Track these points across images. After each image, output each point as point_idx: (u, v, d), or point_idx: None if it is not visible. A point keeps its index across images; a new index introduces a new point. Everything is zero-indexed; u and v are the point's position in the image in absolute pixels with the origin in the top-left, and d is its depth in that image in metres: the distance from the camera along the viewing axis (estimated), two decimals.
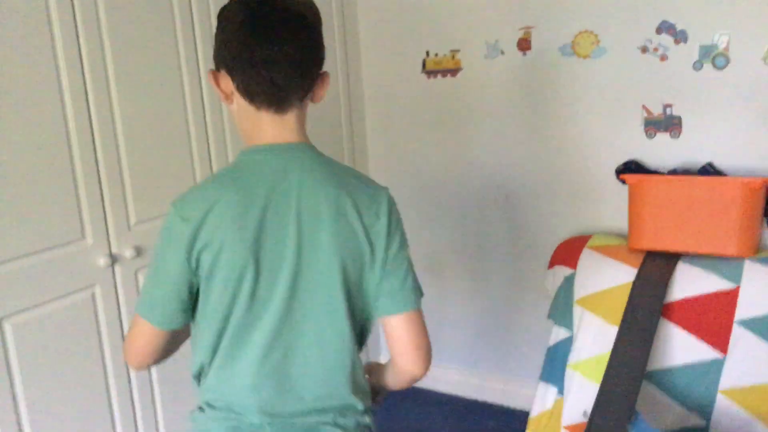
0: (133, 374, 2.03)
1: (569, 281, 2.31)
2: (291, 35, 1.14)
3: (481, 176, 2.76)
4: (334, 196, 1.17)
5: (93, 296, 1.92)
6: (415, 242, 3.01)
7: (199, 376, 1.26)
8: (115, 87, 1.94)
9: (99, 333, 1.94)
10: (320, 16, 1.22)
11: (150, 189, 2.06)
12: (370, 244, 1.19)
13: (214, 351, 1.21)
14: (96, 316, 1.93)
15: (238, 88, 1.17)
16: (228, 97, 1.20)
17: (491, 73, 2.66)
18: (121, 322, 1.99)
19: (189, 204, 1.16)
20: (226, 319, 1.18)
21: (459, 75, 2.74)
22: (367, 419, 1.29)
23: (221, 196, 1.14)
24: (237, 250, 1.13)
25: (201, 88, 2.20)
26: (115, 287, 1.97)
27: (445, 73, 2.77)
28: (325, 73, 1.24)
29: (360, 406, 1.27)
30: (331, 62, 2.79)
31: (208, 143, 2.24)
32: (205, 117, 2.22)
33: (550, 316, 2.41)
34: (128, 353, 1.26)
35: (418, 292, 1.24)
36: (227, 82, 1.18)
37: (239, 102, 1.19)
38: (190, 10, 2.15)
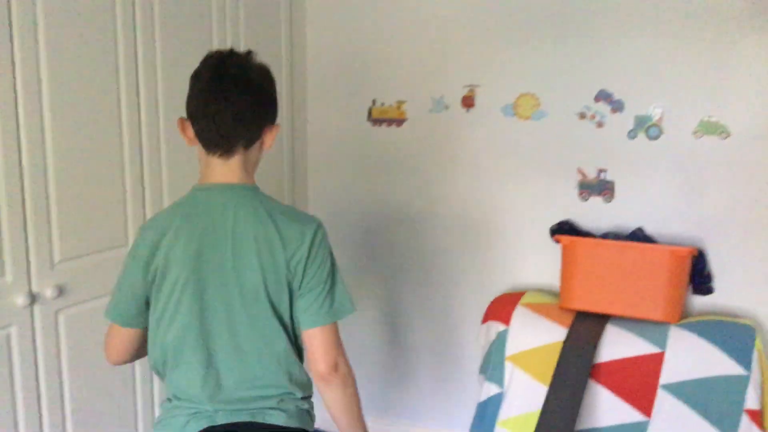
0: (45, 421, 1.91)
1: (502, 337, 2.33)
2: (238, 95, 1.39)
3: (419, 227, 2.77)
4: (262, 229, 1.41)
5: (8, 337, 1.80)
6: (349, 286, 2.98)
7: (158, 373, 1.52)
8: (50, 119, 1.87)
9: (11, 376, 1.82)
10: (272, 79, 1.48)
11: (78, 226, 1.97)
12: (292, 269, 1.42)
13: (165, 354, 1.46)
14: (10, 358, 1.81)
15: (196, 135, 1.43)
16: (191, 142, 1.46)
17: (435, 126, 2.70)
18: (36, 367, 1.88)
19: (148, 229, 1.46)
20: (171, 326, 1.43)
21: (404, 125, 2.77)
22: (305, 405, 1.52)
23: (172, 224, 1.43)
24: (181, 268, 1.41)
25: (139, 126, 2.14)
26: (33, 329, 1.86)
27: (390, 122, 2.80)
28: (276, 125, 1.49)
29: (298, 394, 1.50)
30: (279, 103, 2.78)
31: (143, 182, 2.18)
32: (141, 155, 2.16)
33: (481, 371, 2.42)
34: (105, 350, 1.57)
35: (338, 311, 1.46)
36: (190, 130, 1.44)
37: (198, 146, 1.45)
38: (135, 49, 2.10)
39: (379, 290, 2.92)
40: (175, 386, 1.48)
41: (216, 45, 2.40)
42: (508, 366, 2.29)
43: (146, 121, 2.16)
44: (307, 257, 1.42)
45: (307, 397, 1.55)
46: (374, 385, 2.97)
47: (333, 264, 1.48)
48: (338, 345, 1.47)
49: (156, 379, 2.26)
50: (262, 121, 1.45)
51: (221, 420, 1.45)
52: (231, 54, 1.44)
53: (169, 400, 1.53)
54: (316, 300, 1.44)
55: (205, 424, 1.44)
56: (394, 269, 2.87)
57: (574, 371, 2.13)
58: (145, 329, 1.51)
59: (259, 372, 1.45)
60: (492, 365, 2.33)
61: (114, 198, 2.08)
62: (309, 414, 1.55)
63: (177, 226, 1.42)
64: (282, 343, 1.46)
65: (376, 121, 2.83)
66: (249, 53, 1.45)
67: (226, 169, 1.44)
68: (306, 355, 1.51)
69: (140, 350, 1.56)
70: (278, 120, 1.51)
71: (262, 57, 1.52)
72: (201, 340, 1.43)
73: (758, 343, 2.06)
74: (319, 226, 1.46)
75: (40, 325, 1.88)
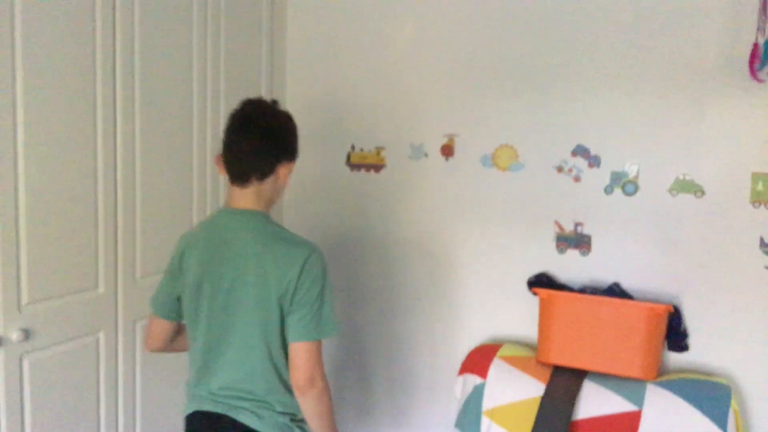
0: None
1: (478, 391, 2.30)
2: (255, 135, 1.67)
3: (397, 274, 2.75)
4: (262, 250, 1.63)
5: None
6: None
7: None
8: (23, 158, 1.81)
9: None
10: (289, 124, 1.75)
11: (47, 268, 1.91)
12: (283, 287, 1.60)
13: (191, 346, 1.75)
14: None
15: (225, 167, 1.71)
16: (223, 173, 1.72)
17: (414, 174, 2.70)
18: None
19: (181, 239, 1.79)
20: (187, 322, 1.75)
21: (382, 171, 2.76)
22: (285, 420, 1.67)
23: (197, 237, 1.75)
24: (194, 275, 1.69)
25: (115, 167, 2.09)
26: None
27: (369, 168, 2.79)
28: (290, 163, 1.73)
29: (278, 407, 1.66)
30: None
31: (116, 225, 2.12)
32: (116, 198, 2.11)
33: (457, 424, 2.38)
34: (146, 338, 1.87)
35: (322, 329, 1.62)
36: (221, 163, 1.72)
37: (226, 177, 1.72)
38: (114, 81, 2.07)
39: (352, 335, 2.87)
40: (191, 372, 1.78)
41: (196, 90, 2.39)
42: (485, 421, 2.26)
43: (122, 161, 2.12)
44: (298, 278, 1.60)
45: (289, 414, 1.68)
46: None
47: (323, 287, 1.64)
48: (317, 361, 1.62)
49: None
50: (274, 158, 1.68)
51: (206, 407, 1.69)
52: (259, 101, 1.73)
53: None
54: (304, 317, 1.61)
55: (194, 408, 1.72)
56: (368, 315, 2.84)
57: (552, 429, 2.11)
58: (180, 324, 1.81)
59: (239, 377, 1.66)
60: (468, 420, 2.29)
61: (85, 240, 2.03)
62: (291, 429, 1.68)
63: (199, 238, 1.73)
64: (262, 356, 1.64)
65: (355, 167, 2.82)
66: (274, 102, 1.74)
67: (242, 197, 1.69)
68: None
69: (173, 343, 1.86)
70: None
71: (241, 98, 1.70)
72: (203, 339, 1.69)
73: (734, 403, 2.07)
74: (313, 251, 1.65)
75: (3, 370, 1.79)
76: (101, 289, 2.08)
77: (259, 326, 1.63)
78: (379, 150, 2.77)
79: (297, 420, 1.70)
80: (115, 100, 2.08)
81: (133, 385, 2.22)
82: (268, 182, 1.70)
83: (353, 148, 2.81)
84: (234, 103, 1.72)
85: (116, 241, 2.12)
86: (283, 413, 1.67)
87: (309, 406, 1.64)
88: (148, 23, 2.17)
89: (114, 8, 2.05)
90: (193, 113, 2.41)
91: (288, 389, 1.67)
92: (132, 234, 2.17)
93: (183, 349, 1.87)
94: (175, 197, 2.36)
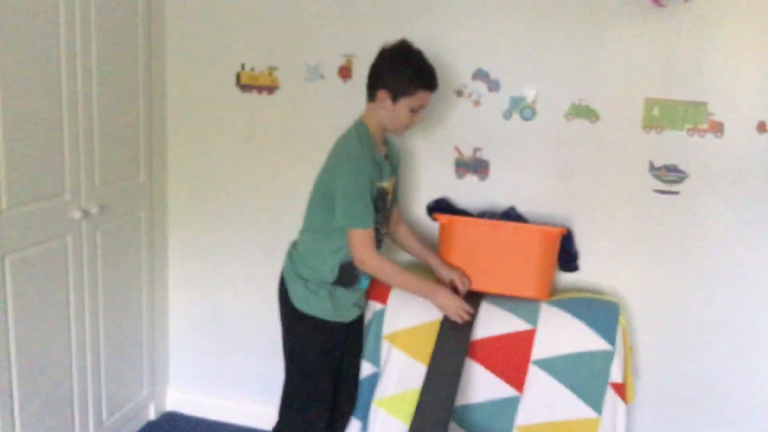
0: None
1: (379, 317, 2.29)
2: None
3: (289, 201, 2.64)
4: (331, 148, 2.14)
5: None
6: (212, 260, 2.80)
7: None
8: None
9: None
10: (380, 57, 2.10)
11: None
12: (329, 180, 2.07)
13: None
14: None
15: None
16: None
17: (310, 96, 2.58)
18: None
19: None
20: None
21: (276, 93, 2.61)
22: (299, 281, 2.12)
23: None
24: None
25: None
26: None
27: (261, 89, 2.62)
28: (380, 90, 2.06)
29: (301, 271, 2.13)
30: (131, 64, 2.51)
31: None
32: None
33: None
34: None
35: (353, 220, 2.01)
36: None
37: None
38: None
39: (243, 266, 2.77)
40: None
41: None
42: (385, 345, 2.26)
43: None
44: (326, 164, 2.10)
45: (306, 281, 2.10)
46: (248, 363, 2.84)
47: (355, 191, 1.98)
48: (362, 246, 2.02)
49: None
50: (373, 88, 2.08)
51: None
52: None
53: None
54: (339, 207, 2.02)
55: None
56: (259, 245, 2.73)
57: (452, 350, 2.14)
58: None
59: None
60: (369, 345, 2.29)
61: None
62: (300, 288, 2.10)
63: None
64: (303, 234, 2.18)
65: (246, 88, 2.64)
66: (402, 42, 2.10)
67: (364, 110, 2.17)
68: None
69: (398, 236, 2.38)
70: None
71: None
72: None
73: (622, 319, 2.19)
74: (349, 158, 2.02)
75: None
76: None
77: (310, 212, 2.19)
78: (271, 70, 2.61)
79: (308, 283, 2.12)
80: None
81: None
82: (376, 104, 2.09)
83: (243, 67, 2.63)
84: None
85: None
86: (300, 278, 2.13)
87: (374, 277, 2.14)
88: None
89: None
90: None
91: (312, 264, 2.13)
92: None
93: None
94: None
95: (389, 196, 2.17)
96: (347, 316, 2.17)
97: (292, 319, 2.13)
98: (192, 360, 2.96)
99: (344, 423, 2.31)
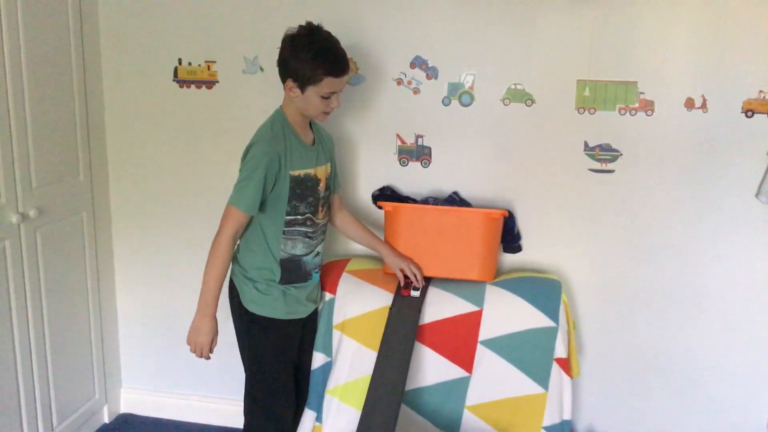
0: None
1: (329, 306, 2.30)
2: None
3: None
4: None
5: None
6: (159, 258, 2.76)
7: None
8: None
9: None
10: (282, 48, 2.02)
11: None
12: None
13: None
14: None
15: None
16: None
17: (249, 89, 2.56)
18: None
19: None
20: None
21: (215, 87, 2.59)
22: (236, 271, 2.14)
23: None
24: None
25: None
26: None
27: (200, 84, 2.60)
28: (288, 82, 2.00)
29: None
30: (64, 62, 2.45)
31: None
32: None
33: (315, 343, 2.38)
34: None
35: (234, 197, 1.96)
36: None
37: None
38: None
39: (191, 262, 2.75)
40: None
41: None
42: (336, 334, 2.28)
43: None
44: (241, 159, 2.01)
45: (254, 282, 2.08)
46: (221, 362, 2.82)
47: (248, 171, 1.94)
48: (226, 222, 1.97)
49: None
50: (281, 75, 2.03)
51: None
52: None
53: None
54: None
55: None
56: (205, 240, 2.71)
57: (401, 335, 2.17)
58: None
59: None
60: (320, 334, 2.30)
61: None
62: (250, 289, 2.08)
63: None
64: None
65: (183, 83, 2.61)
66: (307, 25, 2.01)
67: None
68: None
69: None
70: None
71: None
72: None
73: (563, 296, 2.25)
74: (255, 142, 1.99)
75: None
76: None
77: None
78: (209, 64, 2.59)
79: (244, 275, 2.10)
80: None
81: None
82: (287, 94, 2.04)
83: (180, 62, 2.60)
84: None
85: None
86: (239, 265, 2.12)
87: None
88: None
89: None
90: None
91: (237, 250, 2.13)
92: None
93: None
94: None
95: (321, 183, 2.13)
96: (302, 311, 2.17)
97: (245, 321, 2.10)
98: (144, 360, 2.93)
99: (299, 414, 2.32)
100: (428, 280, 2.32)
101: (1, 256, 2.21)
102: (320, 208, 2.15)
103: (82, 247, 2.63)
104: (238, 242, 2.08)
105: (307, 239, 2.11)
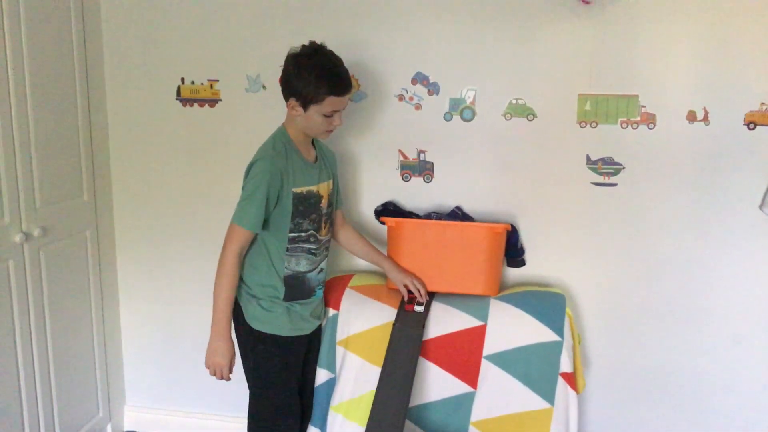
0: None
1: (332, 322, 2.30)
2: None
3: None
4: None
5: None
6: (164, 276, 2.76)
7: None
8: None
9: None
10: (286, 67, 2.03)
11: None
12: None
13: None
14: None
15: None
16: None
17: (252, 107, 2.58)
18: None
19: None
20: None
21: (218, 106, 2.60)
22: (241, 290, 2.11)
23: None
24: None
25: None
26: None
27: (202, 102, 2.61)
28: (291, 101, 2.02)
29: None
30: (68, 82, 2.47)
31: None
32: None
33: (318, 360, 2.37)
34: None
35: (237, 215, 1.97)
36: None
37: None
38: None
39: (195, 279, 2.75)
40: None
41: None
42: (340, 351, 2.27)
43: None
44: (244, 176, 2.02)
45: (258, 299, 2.07)
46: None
47: (250, 189, 1.96)
48: (230, 240, 1.98)
49: None
50: (284, 94, 2.05)
51: None
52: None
53: None
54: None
55: None
56: (209, 258, 2.70)
57: (405, 351, 2.16)
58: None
59: None
60: (324, 351, 2.29)
61: None
62: (254, 307, 2.07)
63: None
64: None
65: (186, 101, 2.63)
66: (310, 45, 2.03)
67: None
68: None
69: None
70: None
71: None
72: None
73: (568, 310, 2.24)
74: (257, 160, 1.99)
75: None
76: None
77: None
78: (212, 83, 2.60)
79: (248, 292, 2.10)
80: None
81: None
82: (289, 112, 2.05)
83: (183, 81, 2.62)
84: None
85: None
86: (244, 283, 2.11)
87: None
88: None
89: None
90: None
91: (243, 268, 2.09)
92: None
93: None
94: None
95: (324, 200, 2.13)
96: (306, 328, 2.16)
97: (250, 339, 2.09)
98: (148, 378, 2.92)
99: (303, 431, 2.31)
100: (432, 296, 2.31)
101: (4, 276, 2.21)
102: (323, 225, 2.15)
103: (85, 266, 2.64)
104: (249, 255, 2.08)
105: (310, 256, 2.10)
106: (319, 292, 2.20)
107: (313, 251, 2.11)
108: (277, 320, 2.07)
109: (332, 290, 2.35)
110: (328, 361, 2.29)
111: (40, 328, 2.38)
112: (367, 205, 2.57)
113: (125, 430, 2.96)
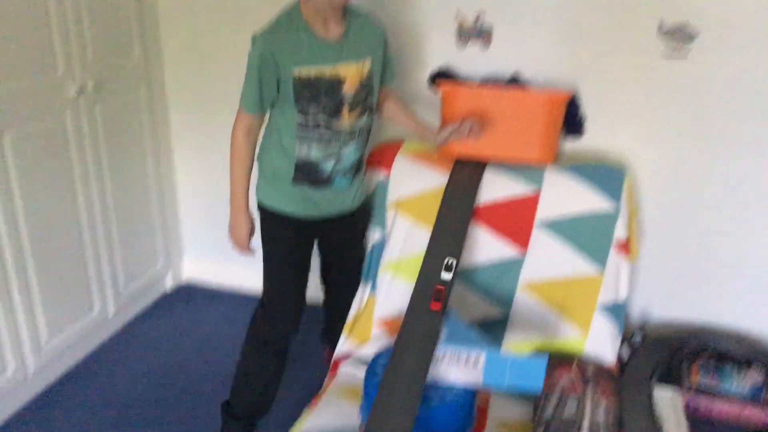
0: None
1: (383, 185, 2.31)
2: None
3: None
4: None
5: None
6: (216, 133, 2.80)
7: None
8: None
9: None
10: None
11: None
12: None
13: None
14: None
15: None
16: None
17: None
18: None
19: None
20: None
21: None
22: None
23: None
24: None
25: None
26: None
27: None
28: None
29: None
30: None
31: None
32: None
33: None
34: None
35: (241, 96, 1.91)
36: None
37: None
38: None
39: None
40: None
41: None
42: (390, 212, 2.29)
43: None
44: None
45: (266, 176, 2.05)
46: None
47: (247, 69, 1.87)
48: (235, 125, 1.94)
49: None
50: None
51: None
52: None
53: None
54: None
55: None
56: None
57: (456, 214, 2.16)
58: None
59: None
60: (375, 211, 2.32)
61: None
62: (261, 181, 2.07)
63: None
64: None
65: None
66: None
67: None
68: None
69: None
70: None
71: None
72: None
73: (627, 180, 2.19)
74: (252, 36, 1.84)
75: None
76: None
77: None
78: None
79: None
80: None
81: None
82: None
83: None
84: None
85: None
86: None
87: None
88: None
89: None
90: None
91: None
92: None
93: None
94: None
95: (348, 84, 1.92)
96: (313, 211, 2.07)
97: (260, 214, 2.10)
98: (205, 230, 3.04)
99: (339, 324, 2.34)
100: (484, 163, 2.27)
101: (61, 127, 2.25)
102: (345, 112, 1.95)
103: (139, 123, 2.68)
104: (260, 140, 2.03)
105: (323, 144, 1.97)
106: (341, 182, 2.06)
107: (326, 139, 1.97)
108: (280, 197, 2.04)
109: (382, 154, 2.34)
110: (380, 222, 2.32)
111: (99, 178, 2.46)
112: (420, 75, 2.48)
113: (183, 278, 3.13)
